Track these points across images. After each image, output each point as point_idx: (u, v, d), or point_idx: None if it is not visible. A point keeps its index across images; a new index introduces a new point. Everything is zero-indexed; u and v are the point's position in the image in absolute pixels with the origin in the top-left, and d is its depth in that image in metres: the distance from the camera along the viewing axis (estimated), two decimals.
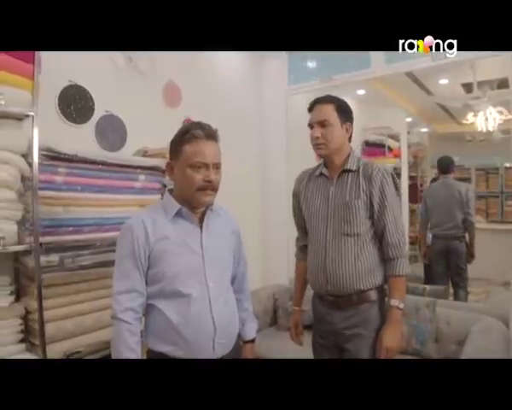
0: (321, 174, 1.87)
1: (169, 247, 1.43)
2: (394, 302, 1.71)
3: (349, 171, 1.79)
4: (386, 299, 1.78)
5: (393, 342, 1.68)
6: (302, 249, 2.00)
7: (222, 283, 1.53)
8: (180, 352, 1.41)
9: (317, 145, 1.79)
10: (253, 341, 1.73)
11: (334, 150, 1.79)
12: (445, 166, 4.34)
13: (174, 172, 1.48)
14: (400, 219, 1.80)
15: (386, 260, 1.77)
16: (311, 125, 1.82)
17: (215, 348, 1.45)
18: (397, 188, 1.82)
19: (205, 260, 1.47)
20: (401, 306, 1.71)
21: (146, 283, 1.43)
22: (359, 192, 1.74)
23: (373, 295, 1.75)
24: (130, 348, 1.36)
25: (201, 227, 1.50)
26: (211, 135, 1.45)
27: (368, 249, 1.75)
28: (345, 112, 1.81)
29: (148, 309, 1.45)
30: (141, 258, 1.41)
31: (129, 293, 1.39)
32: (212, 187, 1.44)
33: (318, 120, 1.78)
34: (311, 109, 1.84)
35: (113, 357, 1.38)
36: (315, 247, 1.84)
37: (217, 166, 1.46)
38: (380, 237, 1.77)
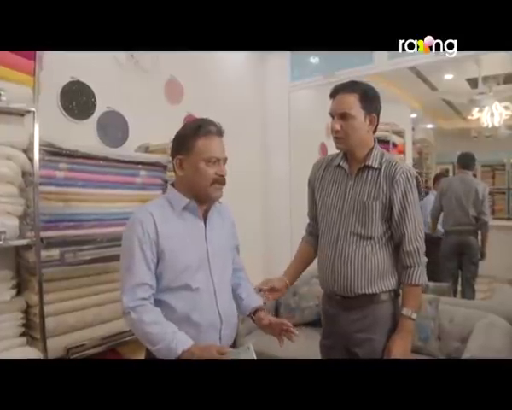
0: (339, 166, 1.75)
1: (176, 241, 1.43)
2: (407, 312, 1.61)
3: (370, 167, 1.66)
4: (400, 300, 1.69)
5: (401, 354, 1.58)
6: (311, 233, 1.92)
7: (225, 275, 1.56)
8: None
9: (336, 139, 1.68)
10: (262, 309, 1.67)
11: (354, 144, 1.66)
12: (466, 162, 4.32)
13: (184, 167, 1.47)
14: (421, 225, 1.66)
15: (401, 266, 1.65)
16: (331, 115, 1.68)
17: (221, 339, 1.48)
18: (420, 192, 1.68)
19: (209, 253, 1.49)
20: (414, 316, 1.61)
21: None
22: (379, 193, 1.62)
23: (383, 296, 1.66)
24: (148, 323, 1.34)
25: (205, 222, 1.51)
26: (221, 131, 1.48)
27: (380, 253, 1.64)
28: (370, 102, 1.64)
29: (156, 305, 1.43)
30: (151, 251, 1.39)
31: (138, 286, 1.38)
32: (223, 181, 1.47)
33: (338, 113, 1.63)
34: (332, 96, 1.68)
35: (147, 346, 1.38)
36: (325, 244, 1.74)
37: (225, 162, 1.49)
38: (397, 243, 1.65)
